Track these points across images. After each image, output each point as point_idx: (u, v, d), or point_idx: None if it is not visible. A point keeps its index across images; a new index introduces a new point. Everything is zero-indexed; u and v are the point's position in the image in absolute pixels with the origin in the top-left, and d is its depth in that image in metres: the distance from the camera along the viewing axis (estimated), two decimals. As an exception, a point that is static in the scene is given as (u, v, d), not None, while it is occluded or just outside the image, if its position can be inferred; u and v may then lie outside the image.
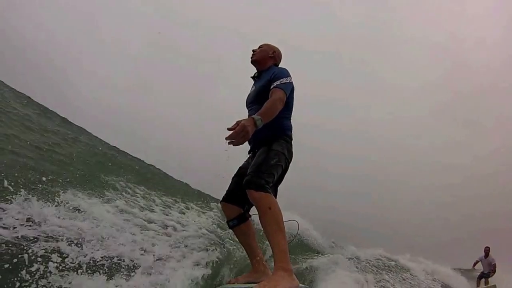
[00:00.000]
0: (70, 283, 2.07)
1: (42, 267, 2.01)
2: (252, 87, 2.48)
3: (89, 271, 2.24)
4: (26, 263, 1.98)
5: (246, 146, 2.34)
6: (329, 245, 9.20)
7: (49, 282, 2.00)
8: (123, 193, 4.39)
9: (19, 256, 2.00)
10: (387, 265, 8.37)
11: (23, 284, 1.91)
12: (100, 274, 2.28)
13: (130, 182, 4.95)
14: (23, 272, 1.94)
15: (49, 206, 2.69)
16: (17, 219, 2.36)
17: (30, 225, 2.38)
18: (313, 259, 6.70)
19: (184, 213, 4.82)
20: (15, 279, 1.90)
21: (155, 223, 3.68)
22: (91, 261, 2.31)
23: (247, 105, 2.46)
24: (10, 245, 2.07)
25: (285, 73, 2.24)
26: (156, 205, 4.59)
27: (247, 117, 2.37)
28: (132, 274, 2.46)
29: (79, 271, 2.18)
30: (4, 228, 2.21)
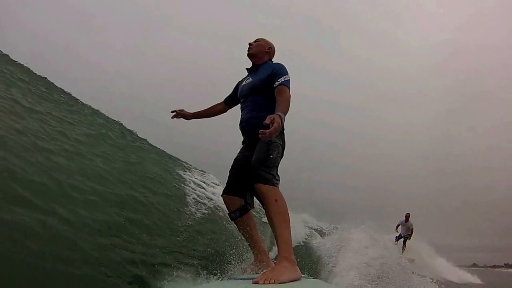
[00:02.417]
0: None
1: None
2: (247, 78, 2.53)
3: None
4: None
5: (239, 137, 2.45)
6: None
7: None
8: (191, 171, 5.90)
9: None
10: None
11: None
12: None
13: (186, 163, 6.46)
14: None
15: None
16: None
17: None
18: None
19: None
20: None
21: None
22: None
23: (241, 95, 2.51)
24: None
25: (285, 70, 2.34)
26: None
27: (240, 106, 2.50)
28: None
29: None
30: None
